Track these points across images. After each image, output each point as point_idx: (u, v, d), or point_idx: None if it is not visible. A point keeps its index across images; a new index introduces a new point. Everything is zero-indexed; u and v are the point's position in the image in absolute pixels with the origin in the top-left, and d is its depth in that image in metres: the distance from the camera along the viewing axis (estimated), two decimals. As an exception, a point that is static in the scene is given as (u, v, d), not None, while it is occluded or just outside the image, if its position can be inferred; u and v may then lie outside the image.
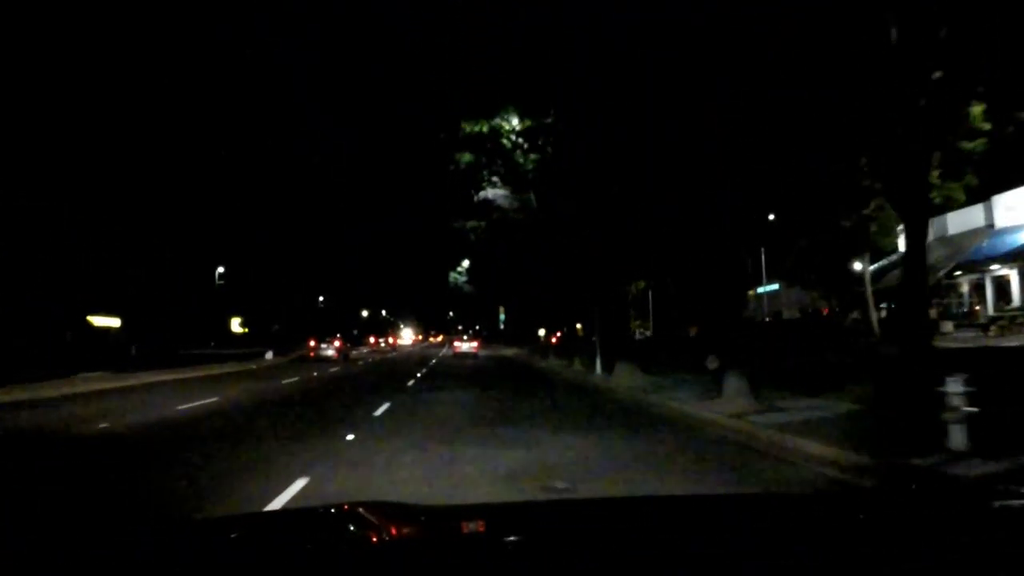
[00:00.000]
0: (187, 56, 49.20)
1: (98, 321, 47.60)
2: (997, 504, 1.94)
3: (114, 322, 50.38)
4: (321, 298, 78.16)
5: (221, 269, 57.01)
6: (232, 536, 1.80)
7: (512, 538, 1.85)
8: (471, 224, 31.25)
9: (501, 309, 60.86)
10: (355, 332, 61.57)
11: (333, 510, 2.10)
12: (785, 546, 1.59)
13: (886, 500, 2.47)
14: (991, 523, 1.70)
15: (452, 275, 65.46)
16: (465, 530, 1.94)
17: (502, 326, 61.48)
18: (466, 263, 62.69)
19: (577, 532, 1.87)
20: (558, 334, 56.95)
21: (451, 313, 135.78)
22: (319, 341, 41.40)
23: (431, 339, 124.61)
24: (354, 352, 51.51)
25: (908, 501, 2.23)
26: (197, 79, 51.10)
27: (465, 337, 61.78)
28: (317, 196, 75.42)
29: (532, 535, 1.85)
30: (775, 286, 52.56)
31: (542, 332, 55.07)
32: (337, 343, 41.17)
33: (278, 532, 1.85)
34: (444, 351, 59.55)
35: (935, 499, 2.31)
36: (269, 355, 39.08)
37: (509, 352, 55.36)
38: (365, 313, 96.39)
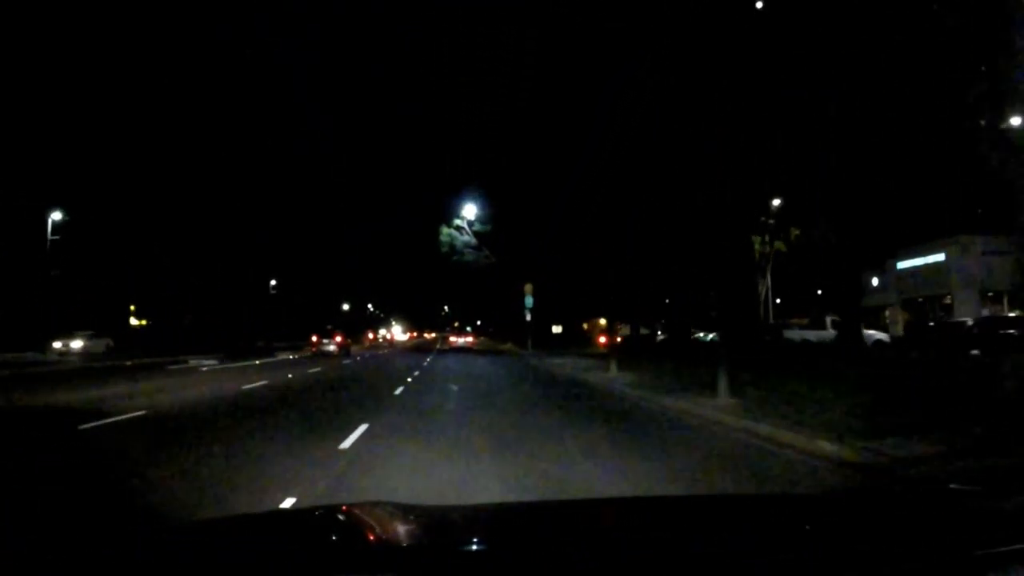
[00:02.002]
0: (186, 54, 46.79)
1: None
2: (996, 504, 1.93)
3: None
4: (273, 282, 62.88)
5: (57, 216, 37.26)
6: (231, 537, 1.78)
7: (512, 538, 1.84)
8: None
9: (527, 289, 37.66)
10: (328, 327, 52.36)
11: (333, 510, 2.13)
12: (785, 546, 1.58)
13: (886, 500, 2.53)
14: (990, 523, 1.69)
15: (445, 231, 42.37)
16: (465, 530, 1.92)
17: (528, 315, 38.21)
18: (470, 212, 42.08)
19: (577, 532, 1.88)
20: (607, 332, 45.78)
21: (446, 308, 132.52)
22: (321, 337, 42.41)
23: (426, 335, 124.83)
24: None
25: (908, 501, 2.31)
26: (193, 76, 47.65)
27: (463, 333, 58.90)
28: (303, 189, 67.67)
29: (532, 535, 1.86)
30: (939, 255, 31.97)
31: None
32: (339, 338, 42.23)
33: (277, 533, 1.83)
34: (440, 346, 56.29)
35: (935, 499, 2.33)
36: None
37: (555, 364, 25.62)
38: (346, 307, 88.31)
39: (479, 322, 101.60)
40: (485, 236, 42.15)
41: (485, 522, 2.08)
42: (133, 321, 52.52)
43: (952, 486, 3.69)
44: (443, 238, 42.61)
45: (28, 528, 4.30)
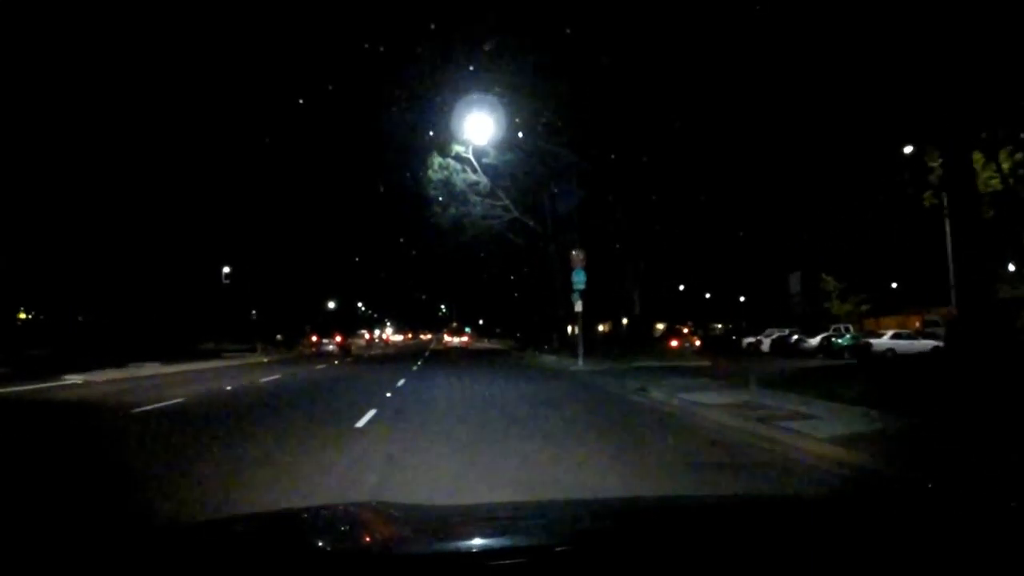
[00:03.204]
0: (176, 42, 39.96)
1: None
2: (996, 507, 1.93)
3: None
4: (227, 270, 51.33)
5: None
6: (231, 537, 1.78)
7: (512, 538, 1.83)
8: None
9: (576, 260, 22.23)
10: (307, 327, 51.52)
11: (332, 510, 2.13)
12: (784, 548, 1.56)
13: (886, 502, 2.48)
14: (989, 525, 1.68)
15: (438, 163, 25.58)
16: (464, 530, 1.91)
17: (578, 303, 21.85)
18: (479, 134, 23.94)
19: (576, 532, 1.87)
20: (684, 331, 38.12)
21: (443, 308, 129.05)
22: (321, 336, 44.44)
23: (421, 336, 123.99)
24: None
25: (908, 503, 2.26)
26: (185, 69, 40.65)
27: (460, 333, 60.84)
28: (292, 181, 58.12)
29: (532, 536, 1.86)
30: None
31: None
32: (339, 338, 44.00)
33: (277, 533, 1.82)
34: (434, 346, 55.99)
35: (935, 501, 2.34)
36: None
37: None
38: (332, 305, 79.24)
39: (481, 321, 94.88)
40: (501, 176, 25.82)
41: (484, 522, 2.07)
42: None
43: (952, 488, 3.50)
44: (434, 174, 25.66)
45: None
